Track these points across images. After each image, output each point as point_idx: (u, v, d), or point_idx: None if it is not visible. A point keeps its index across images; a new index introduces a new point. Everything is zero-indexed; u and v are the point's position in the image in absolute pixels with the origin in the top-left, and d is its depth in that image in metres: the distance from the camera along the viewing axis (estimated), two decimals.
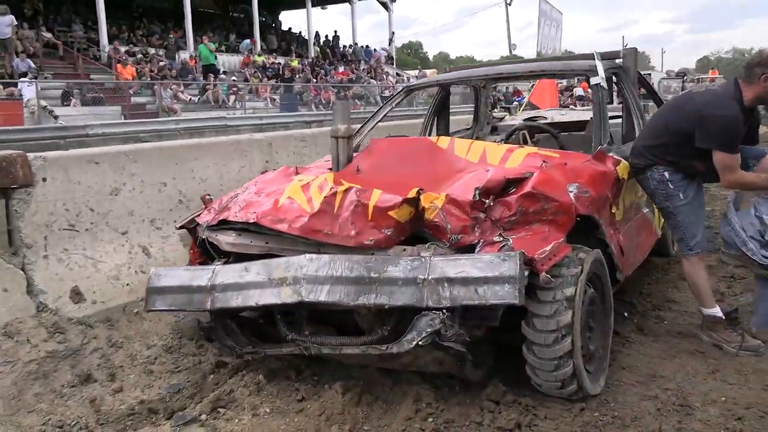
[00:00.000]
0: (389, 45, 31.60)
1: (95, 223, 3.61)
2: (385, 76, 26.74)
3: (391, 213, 2.67)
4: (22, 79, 15.11)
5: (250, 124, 16.38)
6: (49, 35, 19.28)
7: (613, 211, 3.30)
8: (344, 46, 30.06)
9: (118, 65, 18.12)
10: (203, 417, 2.76)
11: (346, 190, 2.76)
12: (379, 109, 4.33)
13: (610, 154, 3.31)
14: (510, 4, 24.73)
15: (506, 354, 2.91)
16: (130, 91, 17.40)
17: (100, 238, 3.63)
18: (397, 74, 29.17)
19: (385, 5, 30.66)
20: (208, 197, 3.22)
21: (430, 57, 76.70)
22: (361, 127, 4.22)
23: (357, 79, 25.36)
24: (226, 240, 2.92)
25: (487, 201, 2.64)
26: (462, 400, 2.79)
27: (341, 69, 26.28)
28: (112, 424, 2.83)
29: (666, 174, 3.35)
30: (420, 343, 2.48)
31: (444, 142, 3.23)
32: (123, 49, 19.68)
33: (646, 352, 3.31)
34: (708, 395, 2.83)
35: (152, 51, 20.78)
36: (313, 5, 28.57)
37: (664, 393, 2.84)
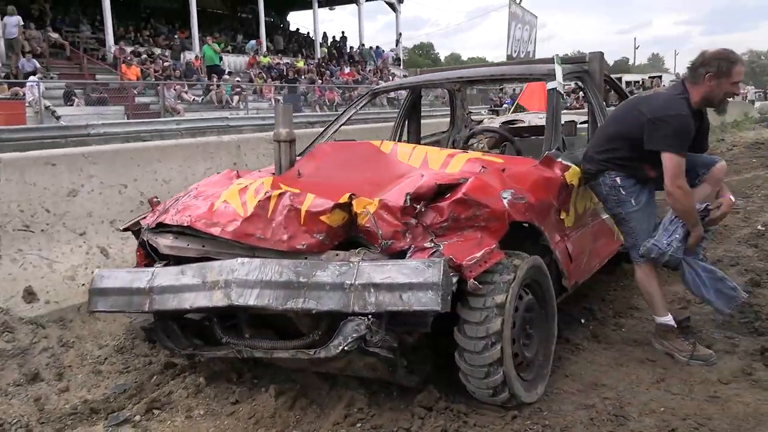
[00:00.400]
0: (396, 46, 31.63)
1: (51, 224, 3.64)
2: (391, 77, 26.71)
3: (322, 218, 2.67)
4: (28, 79, 15.28)
5: (253, 124, 16.46)
6: (56, 35, 19.47)
7: (561, 217, 3.28)
8: (351, 47, 30.12)
9: (123, 65, 18.27)
10: (137, 418, 2.78)
11: (281, 195, 2.77)
12: (343, 112, 4.33)
13: (559, 160, 3.29)
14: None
15: (446, 360, 2.90)
16: (135, 92, 17.55)
17: (56, 239, 3.67)
18: (404, 75, 29.13)
19: (392, 6, 30.67)
20: (155, 200, 3.24)
21: (442, 58, 76.70)
22: (325, 129, 4.23)
23: (363, 80, 25.39)
24: (164, 243, 2.94)
25: (418, 207, 2.63)
26: (396, 405, 2.79)
27: (347, 70, 26.32)
28: (52, 423, 2.86)
29: (618, 179, 3.32)
30: (345, 348, 2.47)
31: (387, 146, 3.23)
32: (129, 49, 19.83)
33: (595, 360, 3.28)
34: (647, 405, 2.80)
35: (158, 51, 20.92)
36: (320, 6, 28.63)
37: (602, 402, 2.82)
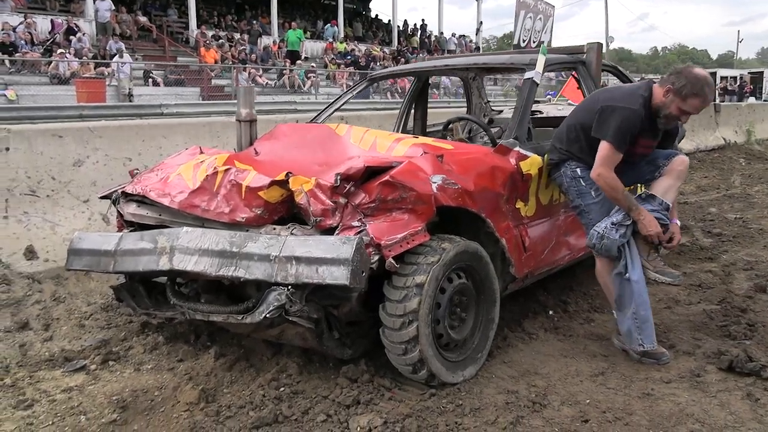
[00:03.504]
0: (476, 35, 31.29)
1: (56, 191, 4.00)
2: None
3: (261, 193, 2.84)
4: (112, 59, 16.32)
5: (319, 109, 16.79)
6: (144, 19, 20.64)
7: (516, 206, 3.30)
8: (431, 35, 30.07)
9: (202, 48, 19.13)
10: (93, 367, 3.06)
11: (227, 170, 2.95)
12: (338, 97, 4.47)
13: (516, 149, 3.30)
14: None
15: None
16: (212, 74, 18.34)
17: (60, 204, 4.03)
18: None
19: None
20: (135, 171, 3.50)
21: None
22: (318, 114, 4.38)
23: None
24: (128, 210, 3.20)
25: (348, 187, 2.74)
26: (326, 375, 2.93)
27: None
28: (29, 367, 3.18)
29: (578, 170, 3.30)
30: (267, 315, 2.64)
31: (342, 130, 3.34)
32: (210, 33, 20.72)
33: (542, 350, 3.29)
34: (574, 396, 2.81)
35: (237, 36, 21.73)
36: None
37: (528, 389, 2.84)
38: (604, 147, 3.02)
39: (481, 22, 31.32)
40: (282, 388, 2.80)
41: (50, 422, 2.54)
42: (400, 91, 21.88)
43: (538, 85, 3.62)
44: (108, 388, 2.83)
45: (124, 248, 3.06)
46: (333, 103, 4.41)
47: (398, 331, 2.69)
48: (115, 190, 3.46)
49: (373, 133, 3.30)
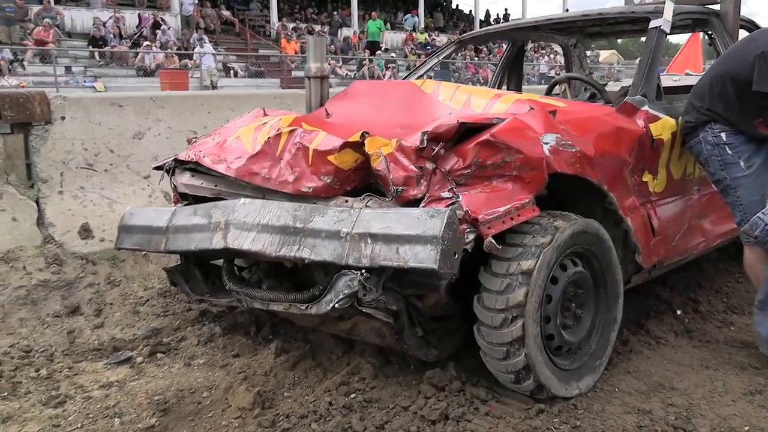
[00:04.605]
0: None
1: (115, 165, 3.68)
2: (553, 55, 25.34)
3: (330, 158, 2.35)
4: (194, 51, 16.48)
5: None
6: (227, 13, 20.85)
7: (644, 179, 2.66)
8: None
9: (283, 40, 19.10)
10: (139, 359, 2.68)
11: (291, 132, 2.48)
12: (424, 62, 3.95)
13: (644, 108, 2.66)
14: None
15: None
16: (292, 65, 18.26)
17: (119, 180, 3.70)
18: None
19: None
20: (194, 139, 3.11)
21: None
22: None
23: None
24: (180, 181, 2.79)
25: (436, 149, 2.21)
26: (406, 381, 2.41)
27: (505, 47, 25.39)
28: (75, 356, 2.83)
29: (723, 135, 2.63)
30: (336, 305, 2.14)
31: (429, 86, 2.80)
32: (290, 25, 20.71)
33: (675, 358, 2.64)
34: (727, 422, 2.17)
35: (318, 28, 21.63)
36: None
37: (664, 409, 2.23)
38: None
39: (567, 10, 29.95)
40: (353, 395, 2.30)
41: (79, 424, 2.14)
42: (482, 81, 21.12)
43: (667, 34, 2.96)
44: (152, 385, 2.42)
45: (177, 224, 2.64)
46: (417, 68, 3.88)
47: (499, 330, 2.14)
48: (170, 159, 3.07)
49: (466, 89, 2.74)
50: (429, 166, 2.22)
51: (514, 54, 4.46)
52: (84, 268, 3.37)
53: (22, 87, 11.89)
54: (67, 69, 14.78)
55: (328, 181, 2.36)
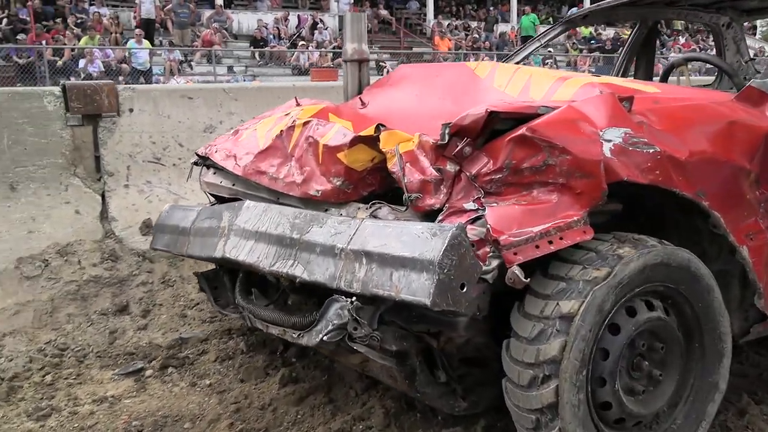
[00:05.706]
0: None
1: (184, 159, 3.53)
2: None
3: (340, 155, 1.93)
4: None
5: None
6: (385, 12, 21.03)
7: None
8: None
9: (436, 37, 18.86)
10: (148, 372, 2.45)
11: (305, 124, 2.09)
12: (526, 45, 3.37)
13: None
14: None
15: None
16: (444, 62, 17.99)
17: (188, 175, 3.55)
18: (760, 48, 24.29)
19: None
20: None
21: None
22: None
23: (701, 51, 21.91)
24: (204, 179, 2.52)
25: (460, 145, 1.71)
26: None
27: (682, 40, 23.00)
28: (105, 359, 2.70)
29: None
30: (324, 337, 1.73)
31: (483, 69, 2.24)
32: (445, 23, 20.41)
33: None
34: None
35: (474, 24, 21.13)
36: None
37: None
38: None
39: None
40: None
41: None
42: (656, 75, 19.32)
43: None
44: (142, 406, 2.17)
45: (197, 226, 2.38)
46: (516, 52, 3.32)
47: (526, 391, 1.59)
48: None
49: (527, 71, 2.17)
50: (451, 168, 1.72)
51: (644, 36, 3.70)
52: (139, 266, 3.25)
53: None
54: (230, 69, 15.68)
55: (338, 183, 1.95)
